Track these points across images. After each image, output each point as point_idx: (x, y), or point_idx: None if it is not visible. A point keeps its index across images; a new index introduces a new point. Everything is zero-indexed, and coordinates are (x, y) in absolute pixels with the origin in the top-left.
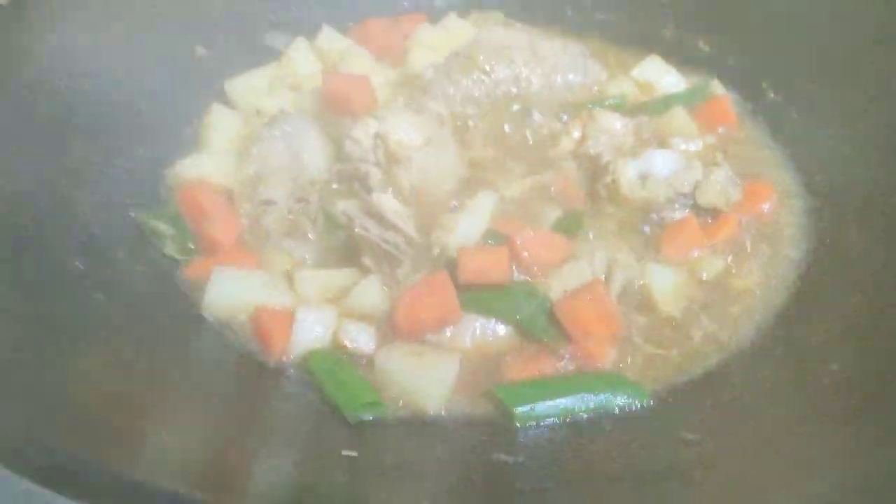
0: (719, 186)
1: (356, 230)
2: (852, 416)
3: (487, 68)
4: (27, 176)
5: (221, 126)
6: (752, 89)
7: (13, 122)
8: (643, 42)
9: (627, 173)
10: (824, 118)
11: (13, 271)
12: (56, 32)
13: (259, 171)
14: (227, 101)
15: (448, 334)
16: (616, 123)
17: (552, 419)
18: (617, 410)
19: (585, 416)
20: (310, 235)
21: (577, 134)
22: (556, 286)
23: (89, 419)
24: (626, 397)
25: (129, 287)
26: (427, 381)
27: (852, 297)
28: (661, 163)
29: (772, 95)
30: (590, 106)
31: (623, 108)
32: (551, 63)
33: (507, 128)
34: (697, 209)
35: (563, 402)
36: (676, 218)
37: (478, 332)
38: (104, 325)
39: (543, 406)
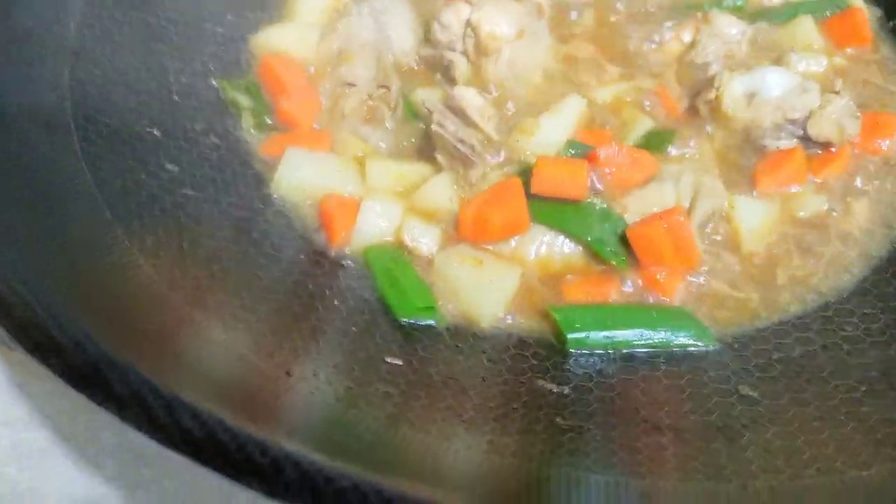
0: (835, 117)
1: (432, 126)
2: None
3: None
4: (117, 35)
5: None
6: None
7: None
8: None
9: (734, 89)
10: None
11: (84, 134)
12: None
13: (343, 48)
14: None
15: (513, 244)
16: (732, 29)
17: (606, 350)
18: (676, 350)
19: (641, 350)
20: (387, 124)
21: (687, 37)
22: (635, 207)
23: (138, 306)
24: (688, 337)
25: (202, 160)
26: (484, 291)
27: None
28: (773, 82)
29: None
30: (706, 7)
31: (743, 10)
32: None
33: (610, 23)
34: (806, 140)
35: (620, 334)
36: (781, 147)
37: (543, 247)
38: (171, 198)
39: (599, 335)
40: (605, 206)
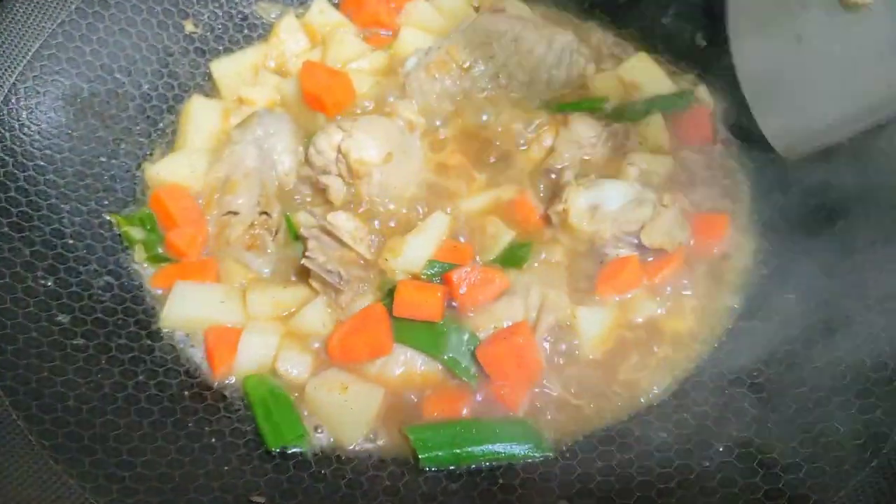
0: (666, 228)
1: (302, 260)
2: None
3: (466, 66)
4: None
5: (200, 121)
6: (741, 99)
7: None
8: (641, 25)
9: (579, 203)
10: None
11: None
12: (44, 27)
13: (228, 177)
14: (212, 84)
15: (378, 364)
16: (589, 132)
17: (456, 465)
18: (519, 461)
19: (486, 463)
20: (269, 250)
21: (547, 142)
22: (487, 323)
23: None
24: (527, 449)
25: (95, 304)
26: (349, 416)
27: (764, 367)
28: (613, 196)
29: None
30: (567, 109)
31: (601, 111)
32: (534, 59)
33: (480, 129)
34: (642, 248)
35: (467, 451)
36: (621, 255)
37: (405, 365)
38: (60, 353)
39: (449, 452)
40: (458, 326)
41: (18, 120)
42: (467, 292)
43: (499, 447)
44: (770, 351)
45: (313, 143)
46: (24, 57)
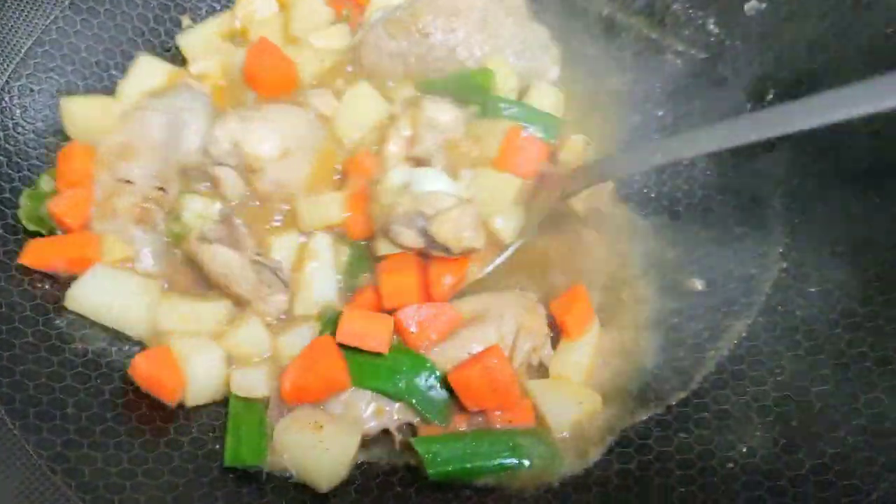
0: (456, 224)
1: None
2: None
3: (426, 31)
4: None
5: (138, 76)
6: None
7: None
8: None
9: (393, 178)
10: None
11: None
12: (38, 23)
13: (130, 141)
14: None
15: (343, 400)
16: (445, 115)
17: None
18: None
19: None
20: (159, 227)
21: (406, 132)
22: (459, 354)
23: None
24: (540, 457)
25: None
26: (323, 459)
27: (786, 363)
28: (427, 181)
29: None
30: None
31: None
32: (499, 43)
33: None
34: (428, 238)
35: (478, 465)
36: (402, 237)
37: (375, 400)
38: (58, 356)
39: (459, 468)
40: (420, 364)
41: (13, 119)
42: (419, 331)
43: (512, 460)
44: (791, 347)
45: (210, 132)
46: (17, 54)
